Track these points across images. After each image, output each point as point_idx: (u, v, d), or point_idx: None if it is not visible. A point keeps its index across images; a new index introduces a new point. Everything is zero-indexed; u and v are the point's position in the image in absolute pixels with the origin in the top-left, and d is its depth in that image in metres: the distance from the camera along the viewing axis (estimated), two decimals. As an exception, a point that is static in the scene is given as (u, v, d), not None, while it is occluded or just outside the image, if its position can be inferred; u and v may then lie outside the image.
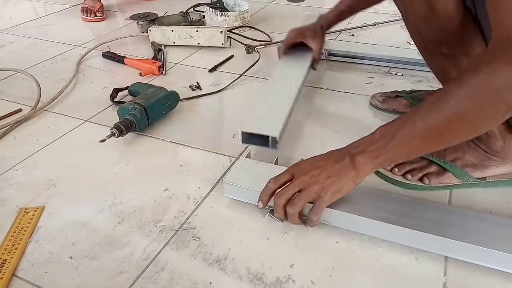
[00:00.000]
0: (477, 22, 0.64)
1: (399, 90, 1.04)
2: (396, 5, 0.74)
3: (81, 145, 0.94)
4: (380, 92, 1.06)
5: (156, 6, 1.87)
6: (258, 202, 0.69)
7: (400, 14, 0.75)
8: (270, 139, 0.77)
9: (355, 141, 0.65)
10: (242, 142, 0.80)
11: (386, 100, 1.02)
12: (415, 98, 0.99)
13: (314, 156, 0.68)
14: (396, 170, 0.80)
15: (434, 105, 0.55)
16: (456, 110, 0.53)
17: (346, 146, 0.65)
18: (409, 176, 0.79)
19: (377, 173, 0.82)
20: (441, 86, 0.70)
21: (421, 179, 0.78)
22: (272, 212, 0.72)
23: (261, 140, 0.78)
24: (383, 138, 0.60)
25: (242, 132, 0.79)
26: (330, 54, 1.30)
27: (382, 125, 0.62)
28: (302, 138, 0.95)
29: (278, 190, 0.67)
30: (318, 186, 0.64)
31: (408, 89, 1.06)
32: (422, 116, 0.57)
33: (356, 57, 1.27)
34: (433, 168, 0.78)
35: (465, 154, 0.78)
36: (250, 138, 0.80)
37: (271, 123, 0.80)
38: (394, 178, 0.79)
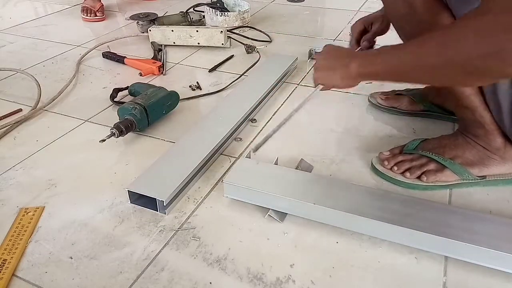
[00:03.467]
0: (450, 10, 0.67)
1: (397, 90, 1.04)
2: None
3: (81, 145, 0.94)
4: (378, 92, 1.06)
5: (156, 6, 1.87)
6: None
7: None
8: (157, 202, 0.72)
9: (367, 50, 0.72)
10: (131, 202, 0.76)
11: (388, 98, 1.02)
12: (417, 94, 0.99)
13: (340, 47, 0.77)
14: (396, 168, 0.80)
15: (411, 45, 0.59)
16: (421, 58, 0.56)
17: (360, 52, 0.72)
18: (407, 174, 0.79)
19: (377, 172, 0.82)
20: None
21: (419, 177, 0.78)
22: (272, 212, 0.72)
23: (150, 202, 0.73)
24: (376, 55, 0.66)
25: (128, 191, 0.75)
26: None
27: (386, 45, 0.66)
28: (302, 138, 0.95)
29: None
30: (318, 70, 0.77)
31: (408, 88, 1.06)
32: (406, 49, 0.61)
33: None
34: (432, 166, 0.78)
35: (464, 152, 0.78)
36: (139, 198, 0.75)
37: (163, 185, 0.75)
38: (395, 178, 0.79)
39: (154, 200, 0.72)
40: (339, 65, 0.71)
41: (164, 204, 0.72)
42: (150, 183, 0.76)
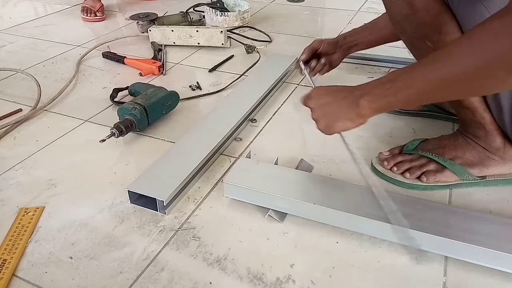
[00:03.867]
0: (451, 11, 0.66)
1: None
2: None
3: (81, 145, 0.94)
4: None
5: (156, 6, 1.87)
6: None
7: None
8: (157, 202, 0.72)
9: (367, 82, 0.64)
10: (131, 202, 0.76)
11: None
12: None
13: (331, 87, 0.69)
14: (395, 168, 0.80)
15: (437, 58, 0.54)
16: (456, 66, 0.51)
17: (359, 85, 0.65)
18: (407, 175, 0.79)
19: (377, 172, 0.82)
20: None
21: (419, 177, 0.78)
22: (272, 212, 0.72)
23: (150, 202, 0.73)
24: (387, 83, 0.60)
25: (128, 191, 0.75)
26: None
27: (394, 70, 0.61)
28: (302, 138, 0.95)
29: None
30: (320, 119, 0.69)
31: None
32: (423, 67, 0.56)
33: (356, 57, 1.27)
34: (431, 166, 0.78)
35: (464, 153, 0.78)
36: (139, 198, 0.75)
37: (163, 185, 0.74)
38: (394, 178, 0.79)
39: (154, 200, 0.72)
40: (344, 106, 0.64)
41: (164, 204, 0.72)
42: (150, 183, 0.76)
